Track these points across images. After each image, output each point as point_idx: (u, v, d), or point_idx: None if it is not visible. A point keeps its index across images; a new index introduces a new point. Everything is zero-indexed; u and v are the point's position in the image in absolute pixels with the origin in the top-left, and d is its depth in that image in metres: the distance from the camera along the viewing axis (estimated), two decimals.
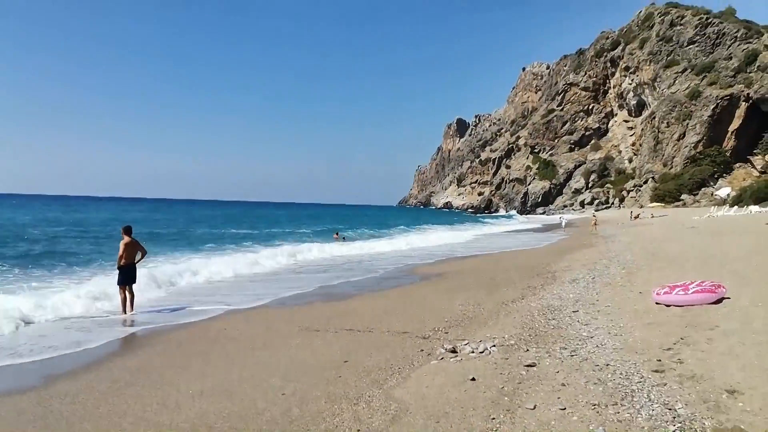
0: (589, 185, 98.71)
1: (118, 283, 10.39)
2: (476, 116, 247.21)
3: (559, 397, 4.79)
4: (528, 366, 5.77)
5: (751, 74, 68.98)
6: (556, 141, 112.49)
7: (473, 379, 5.44)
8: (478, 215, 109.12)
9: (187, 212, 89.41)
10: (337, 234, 35.82)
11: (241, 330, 8.68)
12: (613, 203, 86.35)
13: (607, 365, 5.62)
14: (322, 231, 43.27)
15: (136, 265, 10.81)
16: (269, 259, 19.82)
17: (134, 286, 10.59)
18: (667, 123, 77.07)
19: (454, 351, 6.58)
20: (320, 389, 5.46)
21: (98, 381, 6.07)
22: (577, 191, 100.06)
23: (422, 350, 6.84)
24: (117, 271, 10.50)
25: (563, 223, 52.53)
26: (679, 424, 4.07)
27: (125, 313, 10.17)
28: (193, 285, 13.74)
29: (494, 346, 6.71)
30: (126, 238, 10.71)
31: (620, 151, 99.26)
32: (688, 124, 73.17)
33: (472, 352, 6.50)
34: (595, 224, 38.72)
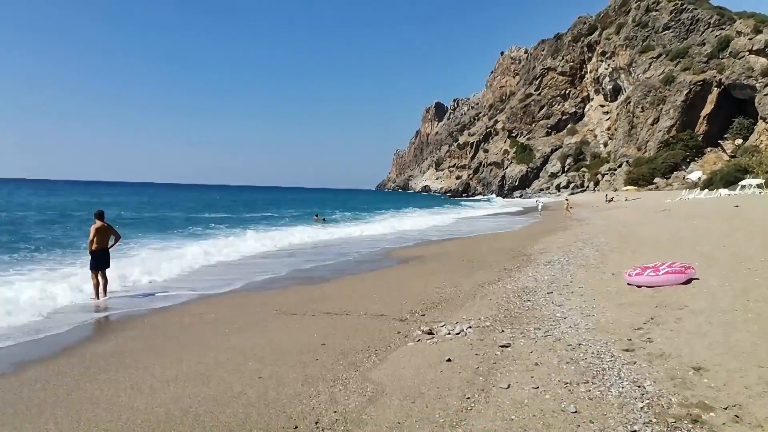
0: (565, 169, 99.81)
1: (91, 268, 10.21)
2: (454, 100, 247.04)
3: (532, 377, 4.88)
4: (503, 346, 5.86)
5: (723, 60, 70.16)
6: (533, 125, 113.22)
7: (449, 360, 5.51)
8: (456, 199, 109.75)
9: (165, 196, 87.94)
10: (316, 216, 35.68)
11: (217, 314, 8.60)
12: (588, 187, 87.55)
13: (580, 345, 5.74)
14: (301, 215, 43.01)
15: (110, 249, 10.63)
16: (246, 242, 19.64)
17: (107, 271, 10.42)
18: (642, 108, 78.21)
19: (430, 333, 6.64)
20: (297, 372, 5.46)
21: (70, 367, 5.96)
22: (554, 175, 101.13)
23: (399, 332, 6.88)
24: (89, 256, 10.32)
25: (539, 207, 53.25)
26: (648, 401, 4.19)
27: (98, 298, 10.00)
28: (167, 270, 13.48)
29: (470, 327, 6.79)
30: (98, 223, 10.50)
31: (596, 136, 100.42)
32: (662, 109, 74.37)
33: (449, 333, 6.57)
34: (568, 208, 39.17)
